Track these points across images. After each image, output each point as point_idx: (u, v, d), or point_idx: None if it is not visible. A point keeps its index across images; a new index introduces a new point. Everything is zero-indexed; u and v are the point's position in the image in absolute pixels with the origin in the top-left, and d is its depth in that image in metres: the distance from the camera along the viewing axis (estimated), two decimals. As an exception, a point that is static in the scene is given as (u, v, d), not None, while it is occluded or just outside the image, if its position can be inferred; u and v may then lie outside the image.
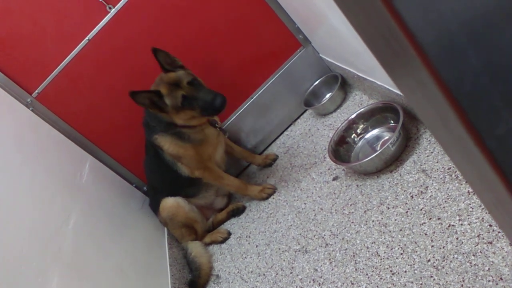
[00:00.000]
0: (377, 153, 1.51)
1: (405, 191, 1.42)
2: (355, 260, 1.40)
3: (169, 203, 2.13)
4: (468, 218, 1.17)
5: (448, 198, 1.26)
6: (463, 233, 1.16)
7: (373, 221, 1.45)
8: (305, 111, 2.46)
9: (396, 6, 0.29)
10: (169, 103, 1.86)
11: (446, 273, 1.12)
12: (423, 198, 1.34)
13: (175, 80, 1.87)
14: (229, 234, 2.16)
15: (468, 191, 1.22)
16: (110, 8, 2.00)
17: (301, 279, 1.54)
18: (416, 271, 1.19)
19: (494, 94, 0.30)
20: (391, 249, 1.31)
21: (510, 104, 0.30)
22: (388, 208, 1.43)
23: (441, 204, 1.27)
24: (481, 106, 0.31)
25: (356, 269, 1.37)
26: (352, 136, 1.80)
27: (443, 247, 1.17)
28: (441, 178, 1.33)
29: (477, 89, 0.30)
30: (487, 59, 0.29)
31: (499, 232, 1.08)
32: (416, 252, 1.23)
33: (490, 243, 1.08)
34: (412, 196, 1.38)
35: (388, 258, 1.30)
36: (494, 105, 0.30)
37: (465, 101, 0.29)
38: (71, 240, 1.60)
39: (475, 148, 0.32)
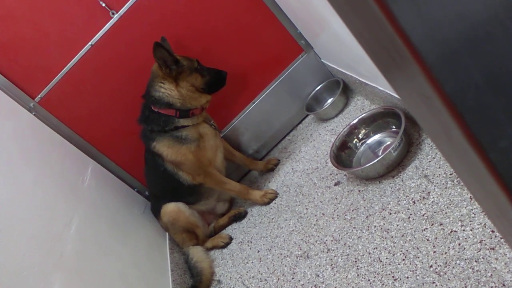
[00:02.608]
0: (379, 158, 1.51)
1: (407, 196, 1.42)
2: (357, 266, 1.39)
3: (170, 208, 2.13)
4: (470, 224, 1.17)
5: (450, 204, 1.26)
6: (465, 238, 1.15)
7: (375, 226, 1.44)
8: (306, 116, 2.46)
9: (396, 16, 0.29)
10: (185, 64, 1.97)
11: (449, 279, 1.12)
12: (425, 203, 1.34)
13: (187, 56, 2.03)
14: (231, 239, 2.16)
15: (470, 196, 1.22)
16: (113, 14, 2.01)
17: (302, 284, 1.54)
18: (418, 277, 1.19)
19: (497, 109, 0.30)
20: (393, 254, 1.31)
21: (513, 119, 0.31)
22: (390, 213, 1.43)
23: (443, 210, 1.27)
24: (484, 120, 0.31)
25: (358, 275, 1.37)
26: (354, 141, 1.81)
27: (445, 253, 1.17)
28: (443, 184, 1.33)
29: (480, 103, 0.30)
30: (489, 72, 0.29)
31: (501, 238, 1.08)
32: (418, 258, 1.23)
33: (493, 249, 1.08)
34: (414, 202, 1.38)
35: (390, 264, 1.30)
36: (497, 119, 0.31)
37: (469, 115, 0.30)
38: (73, 245, 1.60)
39: (478, 161, 0.33)
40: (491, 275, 1.04)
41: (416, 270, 1.21)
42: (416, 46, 0.28)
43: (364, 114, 1.78)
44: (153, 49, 1.83)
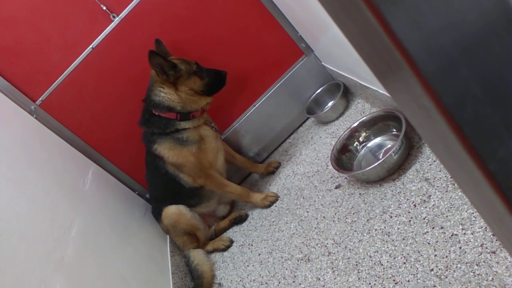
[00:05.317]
0: (379, 161, 1.51)
1: (408, 199, 1.42)
2: (358, 269, 1.39)
3: (171, 210, 2.13)
4: (471, 227, 1.17)
5: (451, 207, 1.26)
6: (466, 242, 1.15)
7: (376, 229, 1.44)
8: (307, 119, 2.46)
9: (392, 26, 0.29)
10: (183, 68, 1.96)
11: (450, 283, 1.11)
12: (426, 207, 1.34)
13: (185, 58, 2.03)
14: (232, 242, 2.16)
15: (471, 200, 1.22)
16: (114, 17, 2.02)
17: (303, 288, 1.54)
18: (419, 281, 1.19)
19: (495, 119, 0.30)
20: (394, 258, 1.31)
21: (510, 129, 0.31)
22: (391, 217, 1.43)
23: (444, 213, 1.27)
24: (482, 130, 0.31)
25: (359, 278, 1.37)
26: (355, 144, 1.80)
27: (446, 257, 1.17)
28: (444, 187, 1.33)
29: (478, 114, 0.30)
30: (486, 83, 0.30)
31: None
32: (419, 261, 1.23)
33: (494, 252, 1.08)
34: (415, 205, 1.38)
35: (391, 267, 1.29)
36: (496, 130, 0.31)
37: (467, 125, 0.30)
38: (74, 248, 1.60)
39: (476, 170, 0.33)
40: (492, 278, 1.04)
41: (417, 273, 1.21)
42: (412, 56, 0.28)
43: (365, 117, 1.78)
44: (149, 57, 1.84)
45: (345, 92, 2.21)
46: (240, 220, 2.22)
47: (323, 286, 1.47)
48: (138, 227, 2.22)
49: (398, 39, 0.28)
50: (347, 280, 1.40)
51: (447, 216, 1.25)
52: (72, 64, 2.07)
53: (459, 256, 1.14)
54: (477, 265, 1.09)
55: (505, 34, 0.29)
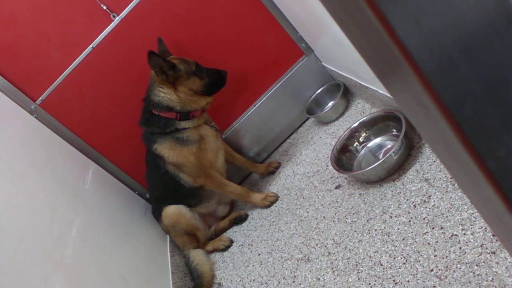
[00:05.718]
0: (379, 161, 1.51)
1: (407, 200, 1.42)
2: (358, 269, 1.39)
3: (171, 210, 2.13)
4: (471, 228, 1.17)
5: (451, 207, 1.26)
6: (466, 242, 1.15)
7: (375, 230, 1.44)
8: (307, 119, 2.46)
9: (393, 25, 0.29)
10: (183, 68, 1.96)
11: (449, 283, 1.11)
12: (426, 207, 1.34)
13: (185, 58, 2.03)
14: (231, 242, 2.16)
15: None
16: (114, 17, 2.02)
17: (303, 288, 1.54)
18: (419, 281, 1.19)
19: (494, 118, 0.31)
20: (394, 258, 1.31)
21: (510, 127, 0.31)
22: (391, 217, 1.43)
23: (444, 214, 1.26)
24: (482, 129, 0.31)
25: (358, 278, 1.37)
26: (355, 145, 1.80)
27: (446, 257, 1.17)
28: (444, 187, 1.33)
29: (478, 112, 0.30)
30: (486, 81, 0.30)
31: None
32: (419, 261, 1.23)
33: (494, 253, 1.08)
34: (415, 205, 1.38)
35: (391, 268, 1.29)
36: (495, 128, 0.31)
37: (466, 124, 0.30)
38: (74, 247, 1.60)
39: (476, 169, 0.33)
40: (492, 279, 1.04)
41: (417, 274, 1.21)
42: (413, 55, 0.28)
43: (365, 118, 1.78)
44: (148, 58, 1.83)
45: (345, 92, 2.21)
46: (240, 220, 2.22)
47: (323, 286, 1.46)
48: (138, 227, 2.22)
49: (398, 37, 0.28)
50: (347, 280, 1.40)
51: (447, 217, 1.25)
52: (72, 64, 2.07)
53: (459, 256, 1.14)
54: (477, 265, 1.09)
55: (506, 33, 0.29)
